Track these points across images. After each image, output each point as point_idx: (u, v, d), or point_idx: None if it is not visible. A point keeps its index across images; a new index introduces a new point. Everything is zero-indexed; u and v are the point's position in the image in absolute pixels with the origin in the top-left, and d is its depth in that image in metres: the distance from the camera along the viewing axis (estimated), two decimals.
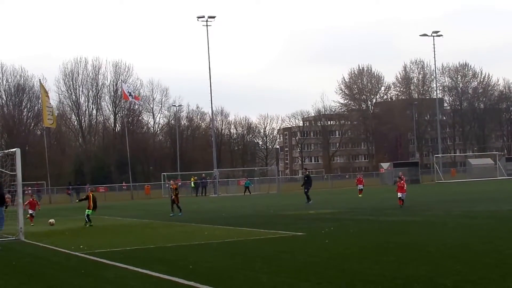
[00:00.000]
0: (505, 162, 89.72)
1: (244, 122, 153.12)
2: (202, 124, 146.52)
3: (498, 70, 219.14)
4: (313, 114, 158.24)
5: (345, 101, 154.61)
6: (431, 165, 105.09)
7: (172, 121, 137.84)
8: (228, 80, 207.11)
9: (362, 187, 50.35)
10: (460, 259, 14.24)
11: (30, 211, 33.35)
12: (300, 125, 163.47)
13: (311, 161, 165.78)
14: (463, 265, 13.25)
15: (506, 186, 56.55)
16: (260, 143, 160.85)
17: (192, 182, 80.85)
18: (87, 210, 30.63)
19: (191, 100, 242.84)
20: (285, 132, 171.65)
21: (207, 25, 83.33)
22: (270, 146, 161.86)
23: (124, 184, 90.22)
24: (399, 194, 33.53)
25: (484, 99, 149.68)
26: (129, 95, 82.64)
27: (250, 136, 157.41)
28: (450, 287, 11.05)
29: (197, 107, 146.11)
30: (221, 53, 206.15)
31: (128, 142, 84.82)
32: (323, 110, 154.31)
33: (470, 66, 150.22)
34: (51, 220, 31.39)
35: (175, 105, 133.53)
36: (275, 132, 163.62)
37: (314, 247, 17.82)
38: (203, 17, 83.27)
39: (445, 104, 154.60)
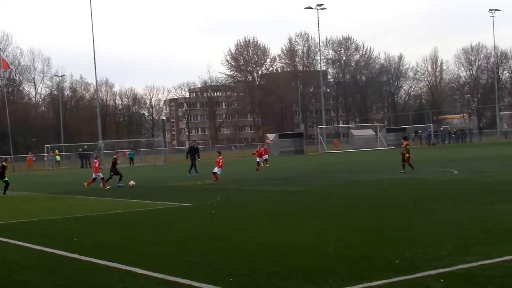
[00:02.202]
0: (386, 133, 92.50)
1: (129, 93, 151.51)
2: (87, 94, 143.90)
3: (379, 44, 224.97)
4: (199, 86, 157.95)
5: (232, 73, 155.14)
6: (315, 136, 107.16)
7: (55, 91, 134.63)
8: (113, 51, 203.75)
9: (259, 159, 48.31)
10: (342, 226, 14.63)
11: (96, 175, 32.67)
12: (187, 96, 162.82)
13: (197, 132, 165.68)
14: (345, 233, 13.63)
15: (386, 156, 58.32)
16: (146, 114, 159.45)
17: (56, 156, 79.72)
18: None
19: (74, 70, 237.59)
20: (172, 103, 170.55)
21: None
22: (157, 117, 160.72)
23: None
24: (216, 169, 33.08)
25: (366, 71, 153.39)
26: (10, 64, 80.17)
27: (136, 107, 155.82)
28: (332, 253, 11.35)
29: (81, 78, 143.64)
30: (107, 23, 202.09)
31: (8, 113, 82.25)
32: (210, 81, 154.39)
33: (353, 39, 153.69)
34: (131, 182, 32.05)
35: (57, 75, 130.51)
36: (162, 103, 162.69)
37: (200, 218, 17.91)
38: None
39: (329, 77, 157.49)
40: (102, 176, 32.42)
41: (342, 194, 23.15)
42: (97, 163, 33.53)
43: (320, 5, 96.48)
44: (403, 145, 34.00)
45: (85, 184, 32.76)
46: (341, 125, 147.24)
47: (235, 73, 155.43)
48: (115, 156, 35.42)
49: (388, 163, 40.81)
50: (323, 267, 10.31)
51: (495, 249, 10.92)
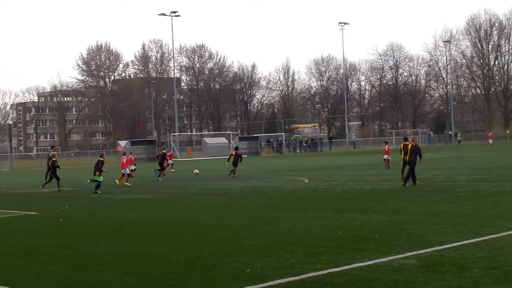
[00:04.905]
0: (238, 141, 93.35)
1: None
2: None
3: (233, 52, 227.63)
4: (49, 90, 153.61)
5: (83, 78, 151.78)
6: (169, 143, 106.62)
7: None
8: None
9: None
10: (194, 235, 14.57)
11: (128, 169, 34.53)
12: (35, 100, 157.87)
13: (46, 138, 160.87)
14: (197, 242, 13.56)
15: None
16: None
17: None
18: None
19: None
20: (19, 108, 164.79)
21: None
22: (3, 122, 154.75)
23: None
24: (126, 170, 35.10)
25: (219, 80, 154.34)
26: None
27: None
28: (184, 263, 11.25)
29: None
30: None
31: None
32: (60, 86, 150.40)
33: (207, 47, 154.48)
34: (196, 171, 38.46)
35: None
36: (8, 107, 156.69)
37: (47, 227, 17.34)
38: None
39: (183, 84, 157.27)
40: (128, 172, 33.84)
41: (194, 202, 23.08)
42: (124, 159, 34.32)
43: (174, 12, 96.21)
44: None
45: (117, 181, 33.81)
46: (194, 132, 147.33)
47: (87, 78, 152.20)
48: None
49: (240, 172, 41.14)
50: (175, 277, 10.25)
51: (342, 257, 11.16)
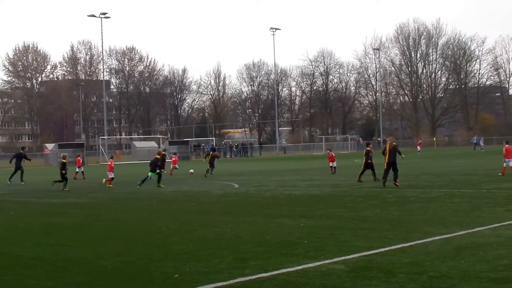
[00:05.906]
0: (168, 145, 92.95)
1: None
2: None
3: (163, 56, 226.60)
4: None
5: (9, 78, 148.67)
6: (97, 147, 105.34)
7: None
8: None
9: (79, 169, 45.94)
10: (122, 240, 14.39)
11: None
12: None
13: None
14: (125, 246, 13.38)
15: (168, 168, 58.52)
16: None
17: None
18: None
19: None
20: None
21: None
22: None
23: None
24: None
25: (149, 83, 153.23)
26: None
27: None
28: (111, 268, 11.10)
29: None
30: None
31: None
32: None
33: (137, 50, 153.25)
34: (191, 170, 40.77)
35: None
36: None
37: None
38: None
39: (112, 87, 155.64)
40: (113, 176, 34.35)
41: (123, 207, 22.83)
42: (112, 162, 35.32)
43: (104, 13, 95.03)
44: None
45: (104, 180, 35.27)
46: (123, 136, 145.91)
47: (13, 79, 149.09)
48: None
49: (167, 175, 40.94)
50: (101, 282, 10.10)
51: (271, 262, 11.16)
